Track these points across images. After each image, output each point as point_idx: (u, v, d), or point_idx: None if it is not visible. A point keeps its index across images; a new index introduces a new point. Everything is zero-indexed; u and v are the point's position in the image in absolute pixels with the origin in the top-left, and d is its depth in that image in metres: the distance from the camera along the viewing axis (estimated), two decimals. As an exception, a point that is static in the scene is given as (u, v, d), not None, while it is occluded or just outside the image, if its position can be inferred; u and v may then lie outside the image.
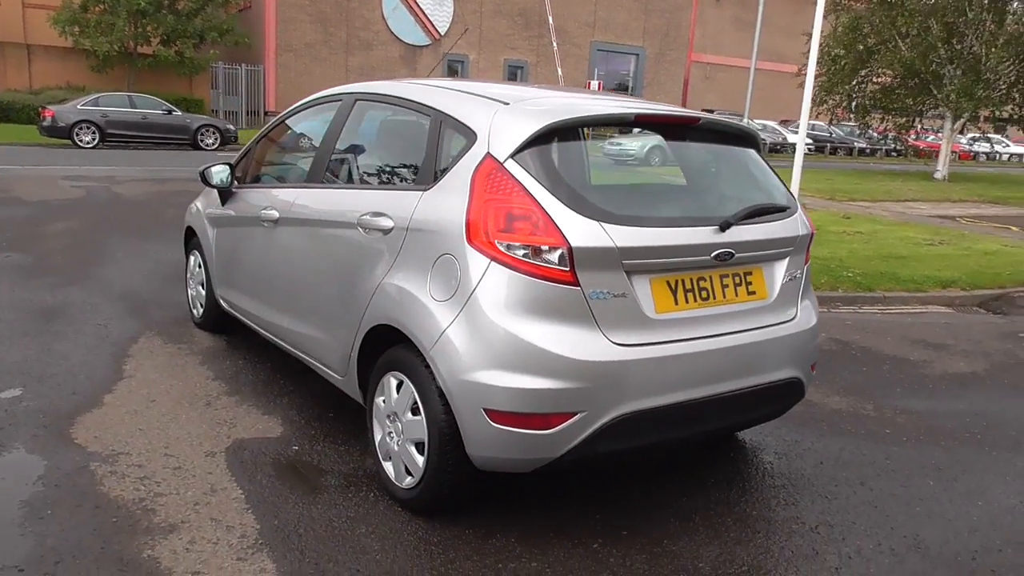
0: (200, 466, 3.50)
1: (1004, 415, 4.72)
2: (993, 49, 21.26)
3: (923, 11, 21.53)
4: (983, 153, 43.31)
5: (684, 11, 41.60)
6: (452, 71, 36.42)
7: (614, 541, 3.06)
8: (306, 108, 4.43)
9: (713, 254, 3.05)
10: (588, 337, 2.83)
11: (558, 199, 2.85)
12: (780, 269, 3.35)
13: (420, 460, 3.09)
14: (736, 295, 3.18)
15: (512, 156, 2.93)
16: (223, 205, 4.83)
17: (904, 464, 3.95)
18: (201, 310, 5.40)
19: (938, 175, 23.28)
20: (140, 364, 4.73)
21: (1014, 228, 14.14)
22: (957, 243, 11.24)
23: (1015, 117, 24.25)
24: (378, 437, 3.38)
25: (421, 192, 3.19)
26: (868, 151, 36.78)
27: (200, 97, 29.37)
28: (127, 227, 9.21)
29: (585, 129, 3.32)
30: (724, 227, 3.08)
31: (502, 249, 2.81)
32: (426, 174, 3.26)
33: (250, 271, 4.49)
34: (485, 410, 2.82)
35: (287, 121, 4.61)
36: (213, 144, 21.11)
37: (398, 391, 3.20)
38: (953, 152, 26.20)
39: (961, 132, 28.21)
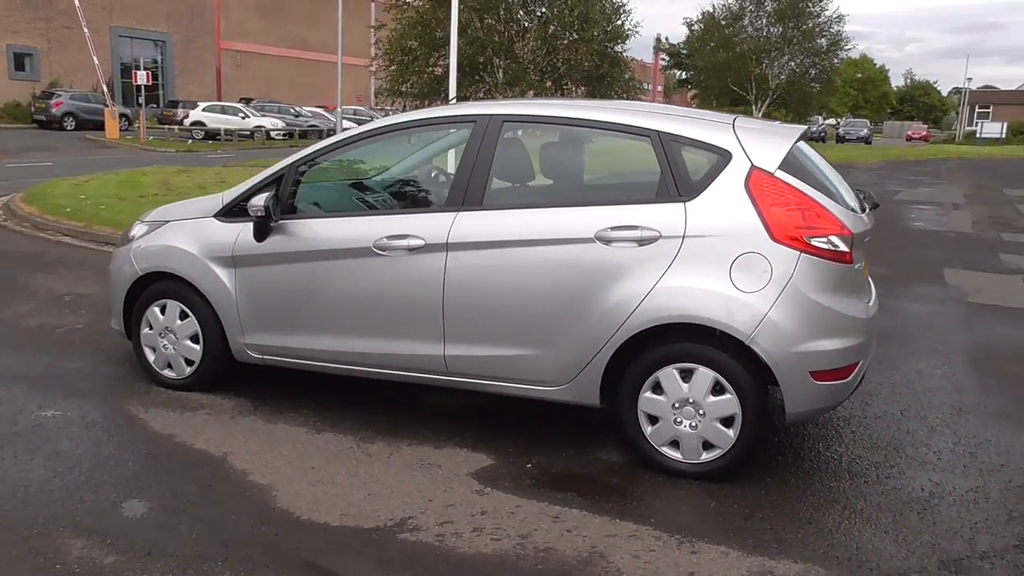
0: (506, 503, 3.43)
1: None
2: (525, 43, 25.31)
3: (472, 8, 24.54)
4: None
5: (204, -5, 40.00)
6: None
7: (852, 467, 3.98)
8: (389, 131, 4.22)
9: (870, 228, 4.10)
10: (858, 301, 3.68)
11: (827, 197, 3.61)
12: None
13: (730, 432, 3.58)
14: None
15: (779, 168, 3.58)
16: (261, 240, 4.25)
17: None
18: (189, 368, 4.59)
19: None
20: (209, 439, 4.01)
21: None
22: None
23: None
24: (648, 430, 3.71)
25: (682, 204, 3.60)
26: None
27: None
28: None
29: None
30: (874, 208, 4.14)
31: (808, 242, 3.48)
32: (671, 187, 3.66)
33: (345, 307, 4.12)
34: (811, 372, 3.49)
35: (354, 147, 4.28)
36: None
37: (685, 380, 3.61)
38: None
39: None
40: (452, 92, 14.16)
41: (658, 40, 55.23)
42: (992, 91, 69.30)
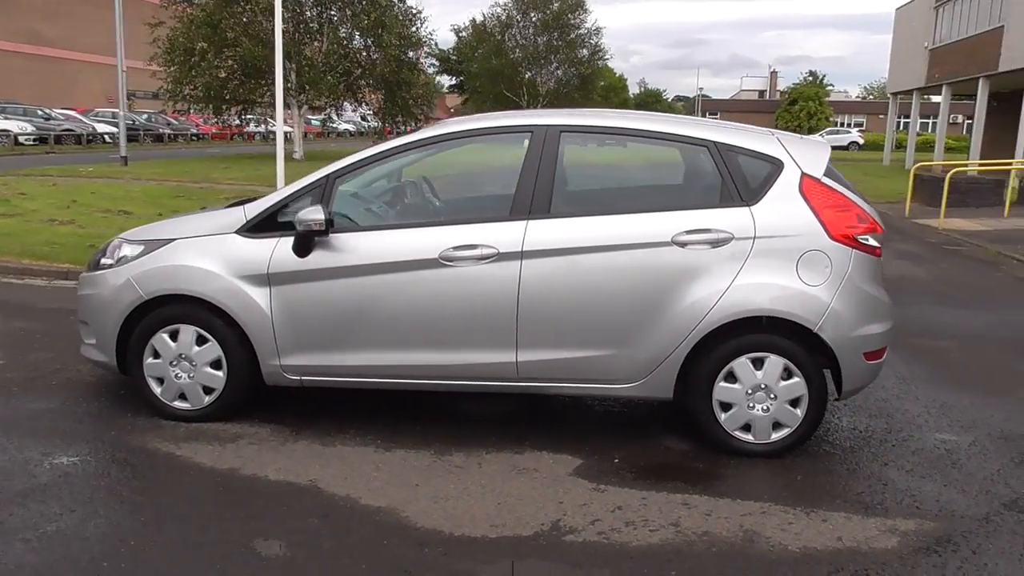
0: (632, 497, 3.56)
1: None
2: (319, 47, 24.75)
3: (258, 7, 23.51)
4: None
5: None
6: None
7: (873, 435, 4.56)
8: (438, 142, 4.18)
9: None
10: (885, 290, 4.25)
11: (861, 199, 4.13)
12: None
13: (798, 412, 3.99)
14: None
15: (824, 175, 4.05)
16: (304, 256, 4.02)
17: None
18: (208, 397, 4.21)
19: (296, 155, 25.83)
20: (280, 468, 3.75)
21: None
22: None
23: (329, 104, 28.57)
24: (723, 416, 4.02)
25: (747, 208, 3.96)
26: (172, 136, 37.35)
27: None
28: None
29: None
30: None
31: (859, 240, 3.97)
32: (734, 193, 3.99)
33: (407, 320, 4.01)
34: (864, 354, 3.99)
35: (398, 158, 4.18)
36: None
37: (758, 367, 3.97)
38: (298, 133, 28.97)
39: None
40: (279, 95, 13.43)
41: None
42: (716, 99, 77.87)
